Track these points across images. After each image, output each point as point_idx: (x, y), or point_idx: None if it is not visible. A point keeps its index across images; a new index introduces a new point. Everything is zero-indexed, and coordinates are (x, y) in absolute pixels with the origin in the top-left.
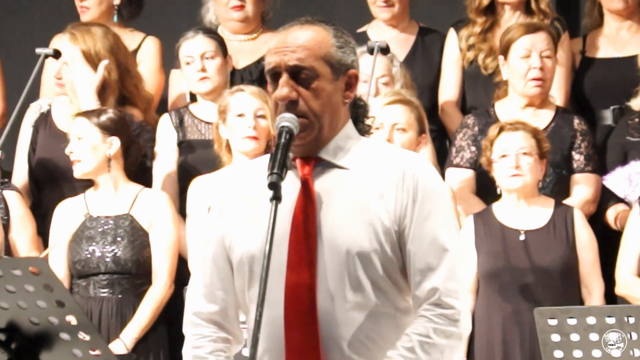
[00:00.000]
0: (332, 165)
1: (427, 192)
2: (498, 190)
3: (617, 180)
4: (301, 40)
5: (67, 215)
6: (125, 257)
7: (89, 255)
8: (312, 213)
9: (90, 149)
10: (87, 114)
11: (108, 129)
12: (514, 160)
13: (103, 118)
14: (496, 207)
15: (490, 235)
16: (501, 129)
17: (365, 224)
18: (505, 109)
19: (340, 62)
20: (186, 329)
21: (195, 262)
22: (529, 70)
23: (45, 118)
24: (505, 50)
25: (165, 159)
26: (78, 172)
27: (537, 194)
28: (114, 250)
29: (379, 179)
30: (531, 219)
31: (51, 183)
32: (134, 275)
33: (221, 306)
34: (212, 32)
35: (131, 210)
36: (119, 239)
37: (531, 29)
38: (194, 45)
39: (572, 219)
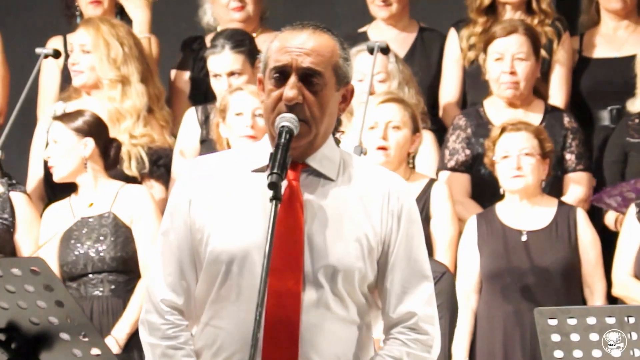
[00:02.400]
0: (318, 174)
1: (410, 215)
2: (501, 191)
3: (609, 197)
4: (316, 45)
5: (54, 219)
6: (111, 255)
7: (75, 258)
8: (299, 220)
9: (65, 152)
10: (62, 118)
11: (82, 132)
12: (515, 161)
13: (78, 121)
14: (499, 207)
15: (493, 235)
16: (503, 130)
17: (353, 241)
18: (494, 108)
19: (345, 73)
20: (152, 316)
21: (158, 248)
22: (501, 74)
23: None
24: (485, 52)
25: (186, 154)
26: (56, 176)
27: (540, 194)
28: (98, 249)
29: (365, 196)
30: (534, 219)
31: (66, 186)
32: (121, 271)
33: (185, 296)
34: (240, 44)
35: (113, 208)
36: (102, 237)
37: (505, 32)
38: (220, 62)
39: (575, 219)
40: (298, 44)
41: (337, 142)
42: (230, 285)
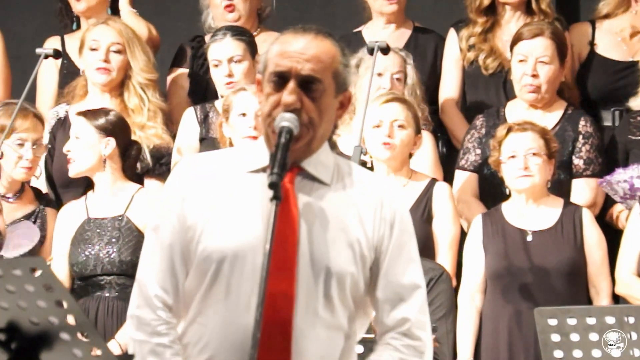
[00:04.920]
0: (313, 178)
1: (403, 223)
2: (507, 191)
3: (617, 183)
4: (317, 51)
5: (69, 218)
6: (121, 258)
7: (85, 258)
8: (294, 222)
9: (85, 148)
10: (86, 114)
11: (105, 130)
12: (522, 161)
13: (101, 119)
14: (505, 207)
15: (498, 235)
16: (509, 130)
17: (345, 246)
18: (515, 109)
19: (344, 80)
20: (143, 312)
21: (149, 243)
22: (523, 76)
23: (62, 123)
24: (511, 52)
25: (185, 153)
26: (72, 171)
27: (546, 194)
28: (109, 251)
29: (358, 202)
30: (539, 219)
31: (70, 186)
32: (130, 275)
33: (174, 294)
34: (241, 33)
35: (127, 211)
36: (114, 240)
37: (530, 34)
38: (221, 49)
39: (581, 219)
40: (299, 50)
41: (333, 145)
42: (219, 285)
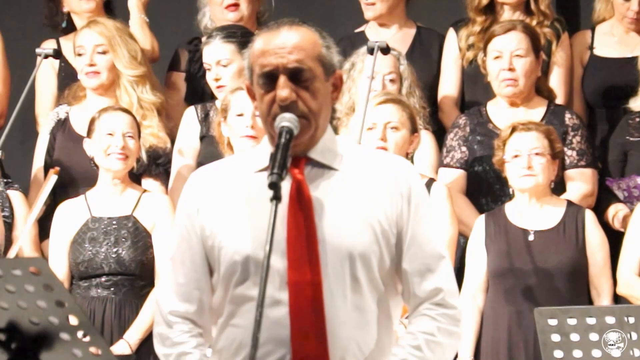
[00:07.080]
0: (322, 165)
1: (420, 196)
2: (510, 191)
3: (618, 189)
4: (297, 41)
5: (68, 216)
6: (129, 258)
7: (92, 256)
8: (309, 212)
9: (134, 144)
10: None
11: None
12: (526, 160)
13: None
14: (508, 207)
15: (500, 234)
16: (514, 129)
17: (365, 226)
18: (496, 108)
19: (330, 62)
20: (161, 328)
21: (167, 259)
22: (500, 71)
23: (62, 124)
24: (485, 51)
25: (186, 152)
26: (127, 168)
27: (549, 194)
28: (117, 251)
29: (371, 182)
30: (542, 219)
31: (69, 186)
32: (137, 276)
33: (198, 305)
34: (231, 35)
35: (134, 212)
36: (123, 239)
37: (503, 29)
38: (209, 52)
39: (583, 220)
40: (279, 44)
41: (335, 129)
42: (247, 285)
